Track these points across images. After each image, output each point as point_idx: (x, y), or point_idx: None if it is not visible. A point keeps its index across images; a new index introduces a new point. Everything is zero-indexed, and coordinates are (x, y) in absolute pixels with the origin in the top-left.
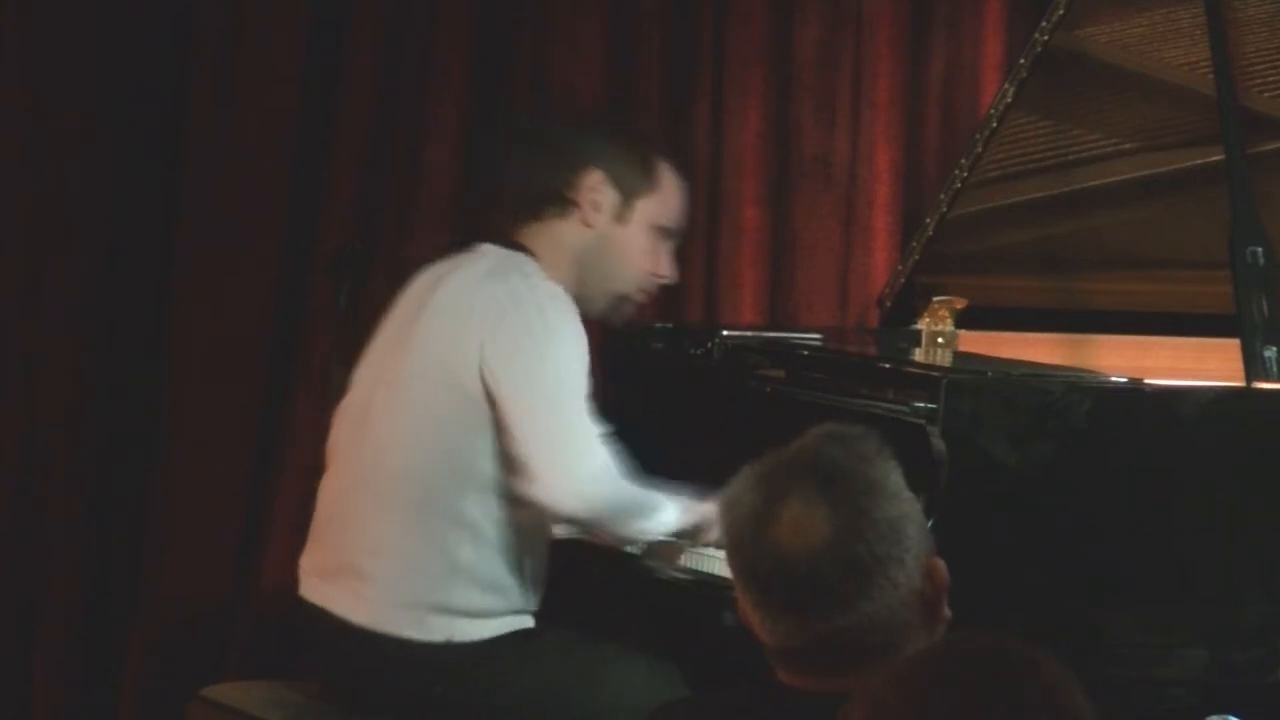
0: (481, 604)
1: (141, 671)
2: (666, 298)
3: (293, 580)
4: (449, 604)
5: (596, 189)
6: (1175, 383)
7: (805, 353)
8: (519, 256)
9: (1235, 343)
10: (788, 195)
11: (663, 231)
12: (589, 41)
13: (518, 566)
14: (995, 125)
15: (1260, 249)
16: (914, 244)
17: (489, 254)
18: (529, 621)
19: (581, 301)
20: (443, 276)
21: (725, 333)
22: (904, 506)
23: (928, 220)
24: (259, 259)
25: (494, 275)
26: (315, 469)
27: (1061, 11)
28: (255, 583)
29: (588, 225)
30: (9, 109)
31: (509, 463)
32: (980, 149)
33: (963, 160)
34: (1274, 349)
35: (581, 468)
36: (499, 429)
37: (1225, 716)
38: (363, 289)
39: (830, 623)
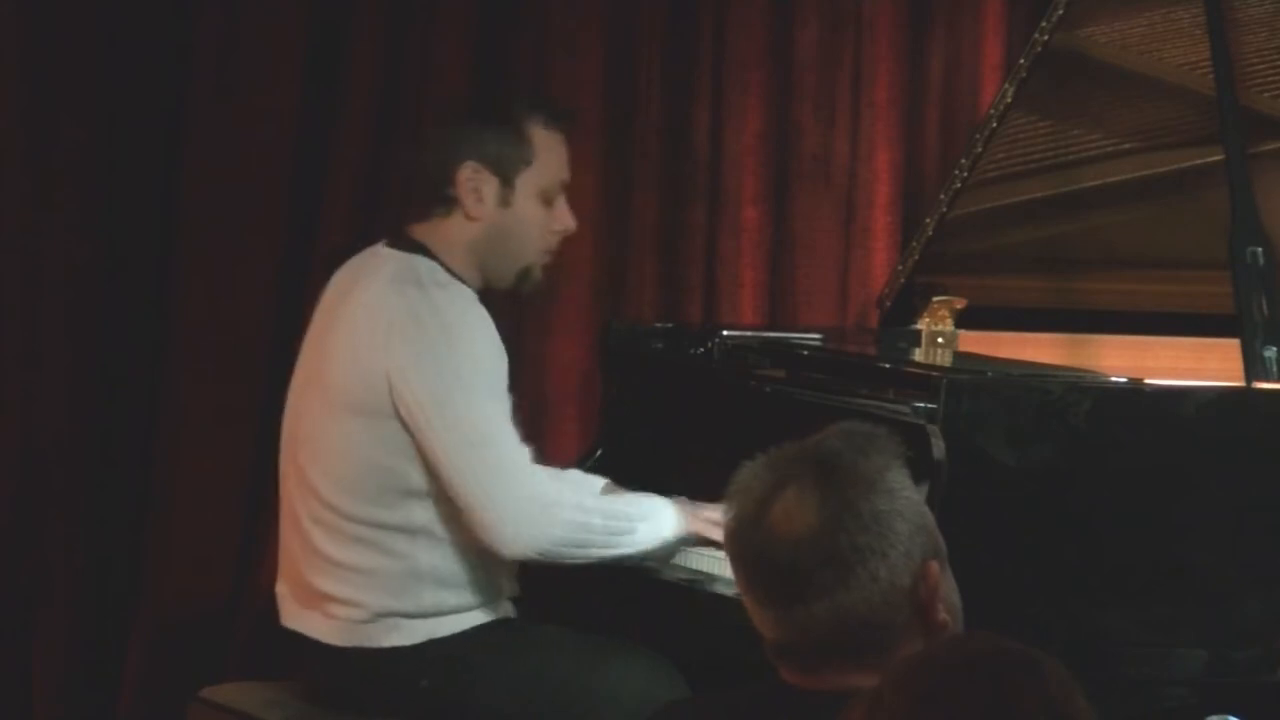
0: (453, 602)
1: (141, 671)
2: (667, 298)
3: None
4: (420, 608)
5: (473, 179)
6: (1175, 383)
7: (805, 353)
8: (416, 259)
9: (1235, 343)
10: (788, 195)
11: (552, 192)
12: (589, 41)
13: (480, 561)
14: (995, 125)
15: (1260, 249)
16: (914, 244)
17: (388, 259)
18: (508, 609)
19: (489, 283)
20: (346, 292)
21: (725, 333)
22: (897, 504)
23: (928, 220)
24: (259, 259)
25: (394, 286)
26: None
27: (1061, 11)
28: (255, 583)
29: (472, 219)
30: (9, 108)
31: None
32: (980, 149)
33: (963, 160)
34: (1274, 349)
35: (520, 515)
36: (427, 461)
37: (1225, 716)
38: None
39: (808, 611)
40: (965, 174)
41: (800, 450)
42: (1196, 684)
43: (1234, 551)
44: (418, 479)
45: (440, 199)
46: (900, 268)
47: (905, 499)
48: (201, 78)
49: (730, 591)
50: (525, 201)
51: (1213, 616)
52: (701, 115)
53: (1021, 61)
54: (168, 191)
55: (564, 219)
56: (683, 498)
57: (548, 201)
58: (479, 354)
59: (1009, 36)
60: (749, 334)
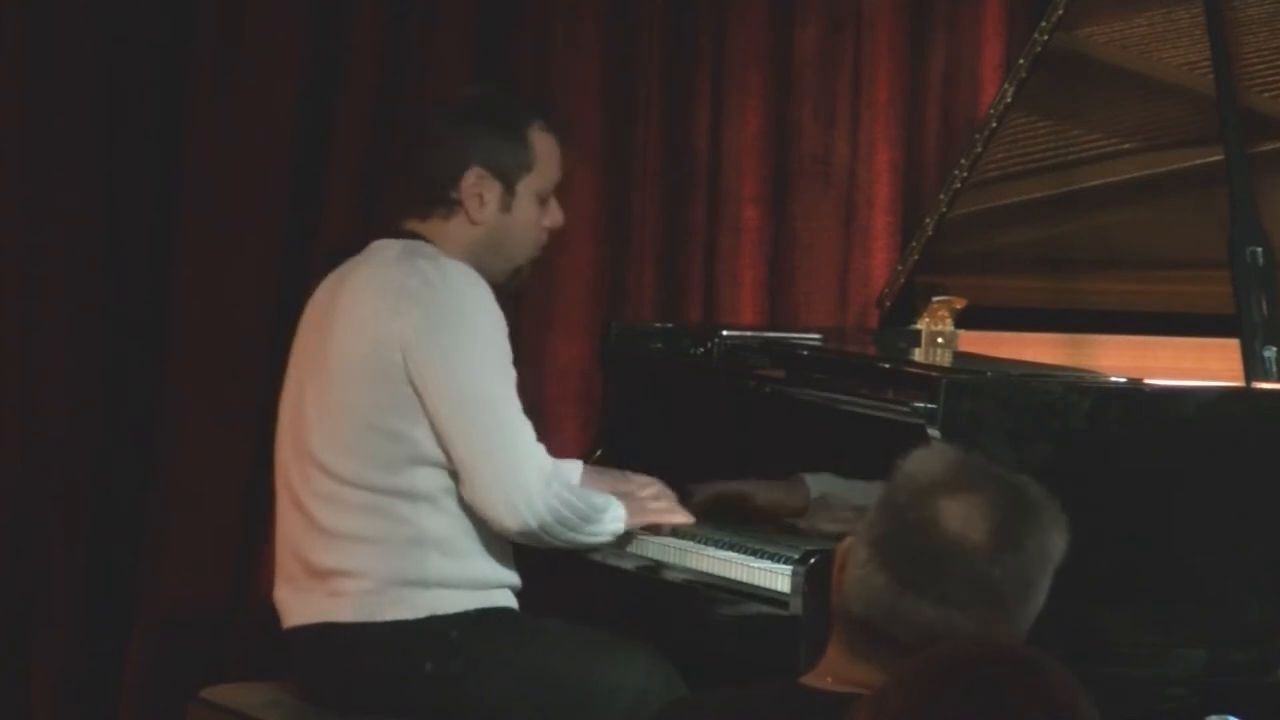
0: (456, 574)
1: (141, 671)
2: (667, 298)
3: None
4: (425, 577)
5: (478, 185)
6: (1175, 383)
7: (805, 353)
8: (419, 243)
9: (1235, 343)
10: (787, 195)
11: (547, 194)
12: (589, 41)
13: (482, 533)
14: (995, 125)
15: (1260, 249)
16: (914, 244)
17: (389, 245)
18: (510, 597)
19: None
20: (345, 276)
21: (725, 333)
22: (1046, 585)
23: (927, 220)
24: (259, 258)
25: (400, 260)
26: None
27: (1061, 11)
28: (255, 583)
29: (474, 223)
30: (9, 108)
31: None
32: (980, 149)
33: (963, 160)
34: (1274, 349)
35: (523, 483)
36: (435, 428)
37: (1225, 716)
38: None
39: (916, 602)
40: (965, 174)
41: (1009, 477)
42: (1196, 684)
43: (1234, 551)
44: (427, 445)
45: (443, 201)
46: (900, 268)
47: (1046, 590)
48: (201, 78)
49: (680, 578)
50: (524, 206)
51: (1213, 616)
52: (701, 115)
53: (1021, 61)
54: (168, 190)
55: (554, 215)
56: (620, 487)
57: (543, 202)
58: (488, 324)
59: (1009, 36)
60: (749, 334)
